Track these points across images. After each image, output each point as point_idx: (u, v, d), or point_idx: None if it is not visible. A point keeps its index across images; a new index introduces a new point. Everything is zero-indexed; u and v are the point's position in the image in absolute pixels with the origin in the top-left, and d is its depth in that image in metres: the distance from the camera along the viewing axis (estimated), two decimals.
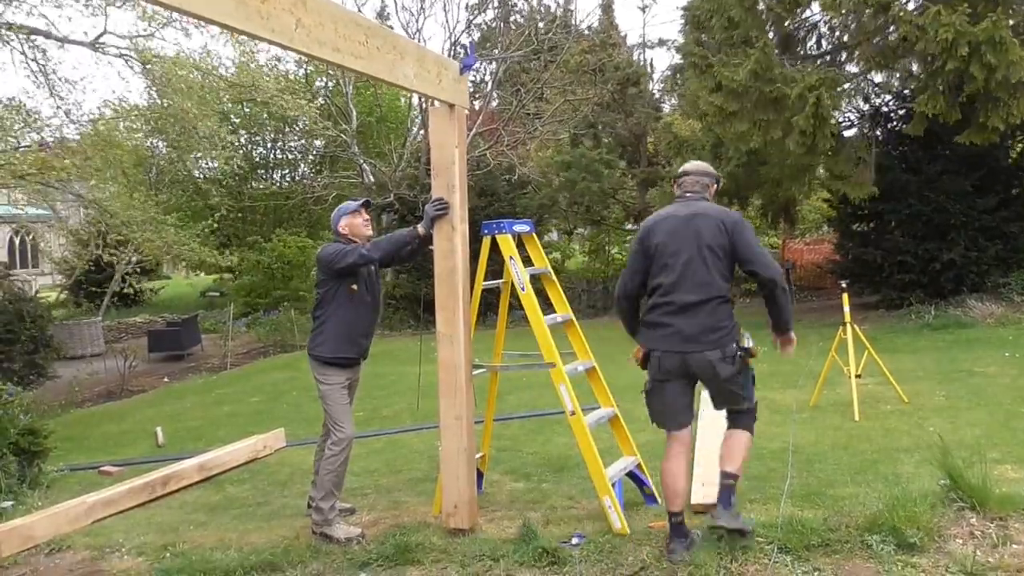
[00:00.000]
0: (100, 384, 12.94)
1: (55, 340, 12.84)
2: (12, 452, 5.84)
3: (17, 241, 30.23)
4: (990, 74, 9.63)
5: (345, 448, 4.42)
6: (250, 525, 4.72)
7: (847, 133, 13.43)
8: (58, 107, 12.89)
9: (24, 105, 12.82)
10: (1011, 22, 10.62)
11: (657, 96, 22.28)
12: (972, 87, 9.82)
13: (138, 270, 17.24)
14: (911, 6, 11.00)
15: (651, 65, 24.66)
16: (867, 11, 10.51)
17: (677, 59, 17.59)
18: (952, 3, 10.01)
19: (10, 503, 5.41)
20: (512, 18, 21.77)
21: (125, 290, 17.58)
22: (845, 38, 11.68)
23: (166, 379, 13.62)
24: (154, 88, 13.22)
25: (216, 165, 16.61)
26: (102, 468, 6.63)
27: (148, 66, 12.33)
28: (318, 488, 4.41)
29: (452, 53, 17.31)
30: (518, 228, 4.51)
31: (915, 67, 11.80)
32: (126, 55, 12.82)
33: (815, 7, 11.93)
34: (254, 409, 9.59)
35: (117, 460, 7.10)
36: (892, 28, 10.32)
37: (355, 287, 4.51)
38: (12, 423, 5.93)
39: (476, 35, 21.17)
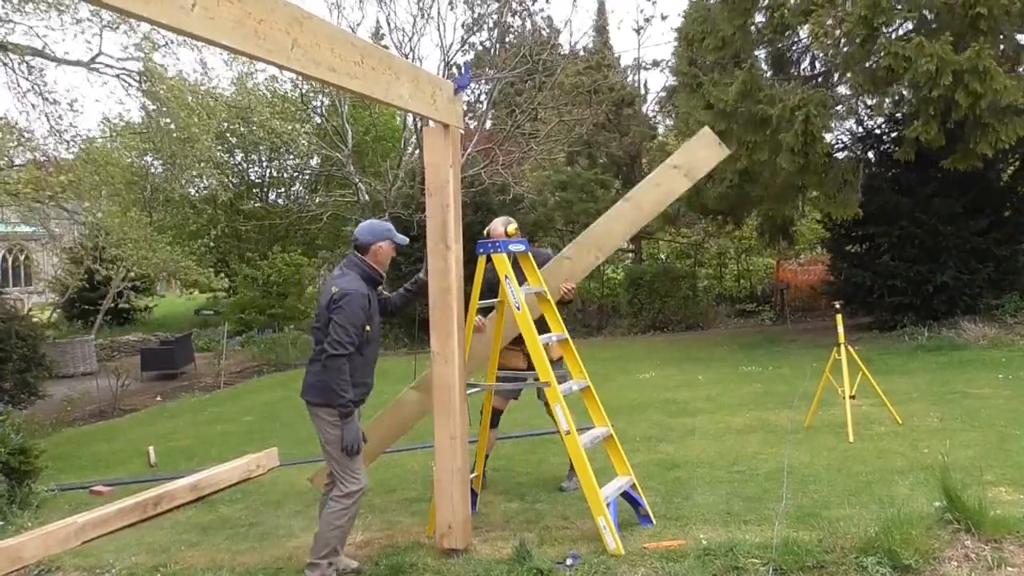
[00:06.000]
0: (92, 403, 12.83)
1: (47, 359, 12.75)
2: (2, 472, 5.80)
3: (10, 259, 30.18)
4: (975, 101, 9.71)
5: (357, 501, 3.91)
6: (242, 546, 4.69)
7: (839, 155, 13.49)
8: (52, 127, 12.83)
9: (17, 124, 12.81)
10: (1002, 47, 10.74)
11: (651, 117, 22.47)
12: (957, 114, 9.91)
13: (132, 287, 17.17)
14: (900, 31, 11.13)
15: (645, 86, 24.83)
16: (855, 40, 10.60)
17: (671, 80, 17.77)
18: (935, 33, 10.11)
19: None
20: (507, 39, 21.90)
21: (120, 305, 17.48)
22: (838, 60, 11.75)
23: (159, 398, 13.53)
24: (153, 105, 13.21)
25: (215, 183, 16.57)
26: (93, 488, 6.58)
27: (148, 84, 12.34)
28: (319, 546, 3.83)
29: (447, 73, 17.41)
30: (513, 248, 4.51)
31: (905, 92, 11.91)
32: (121, 73, 12.86)
33: (807, 28, 12.02)
34: (247, 428, 9.53)
35: (108, 480, 7.04)
36: (879, 57, 10.41)
37: (369, 328, 4.09)
38: (3, 442, 5.89)
39: (471, 55, 21.29)
